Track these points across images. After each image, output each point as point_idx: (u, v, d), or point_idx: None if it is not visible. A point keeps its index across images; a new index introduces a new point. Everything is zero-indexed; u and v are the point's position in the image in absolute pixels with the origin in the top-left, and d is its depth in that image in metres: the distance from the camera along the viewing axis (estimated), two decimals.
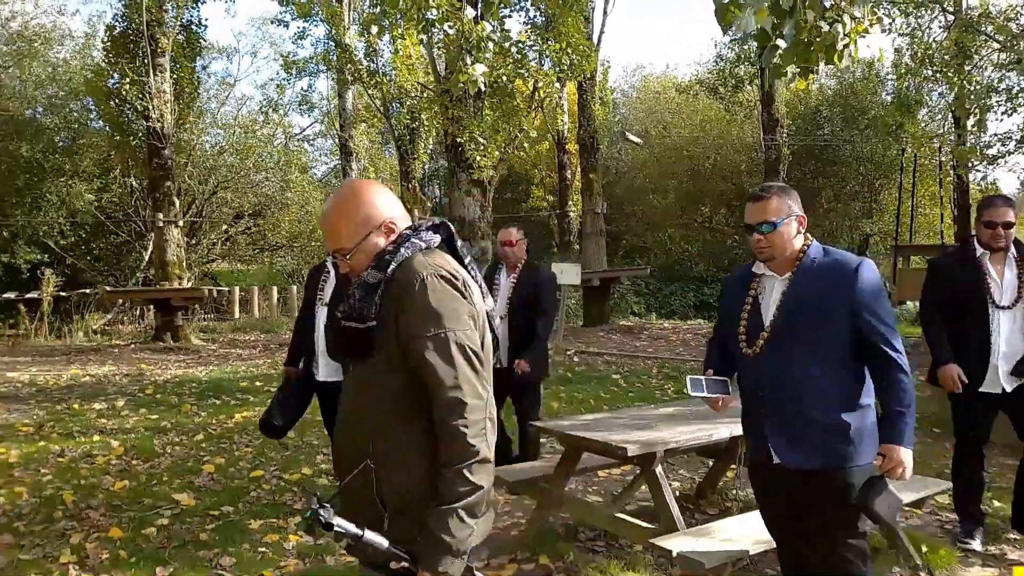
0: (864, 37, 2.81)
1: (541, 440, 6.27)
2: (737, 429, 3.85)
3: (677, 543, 3.18)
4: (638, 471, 4.50)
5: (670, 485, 3.88)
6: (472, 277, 1.94)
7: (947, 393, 3.96)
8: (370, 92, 16.01)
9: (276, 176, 23.25)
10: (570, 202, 20.84)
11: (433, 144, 17.69)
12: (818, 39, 2.66)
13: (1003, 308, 3.77)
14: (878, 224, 22.47)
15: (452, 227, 1.99)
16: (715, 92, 23.35)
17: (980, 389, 3.81)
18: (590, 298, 15.80)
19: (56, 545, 4.17)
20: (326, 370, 4.28)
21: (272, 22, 21.43)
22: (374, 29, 6.02)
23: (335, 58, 15.99)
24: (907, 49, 15.51)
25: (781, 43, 2.73)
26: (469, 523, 1.70)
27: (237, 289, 18.54)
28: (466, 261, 1.96)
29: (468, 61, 5.92)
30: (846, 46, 2.77)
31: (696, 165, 23.19)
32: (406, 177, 15.35)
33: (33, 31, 22.53)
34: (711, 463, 5.08)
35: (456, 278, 1.83)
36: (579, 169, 18.21)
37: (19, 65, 21.95)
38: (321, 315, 4.26)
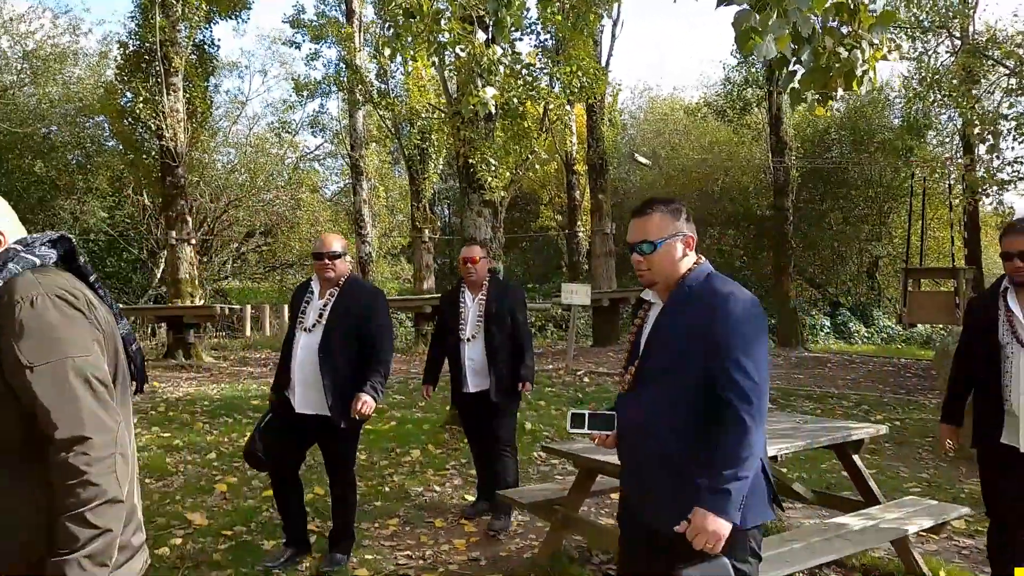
0: (883, 62, 2.83)
1: (552, 461, 6.28)
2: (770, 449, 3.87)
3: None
4: None
5: None
6: (101, 297, 1.73)
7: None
8: (381, 113, 16.17)
9: (287, 195, 23.42)
10: (579, 222, 20.89)
11: (443, 164, 17.81)
12: (837, 65, 2.68)
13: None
14: (887, 247, 22.44)
15: (73, 241, 1.76)
16: (723, 114, 23.46)
17: (1002, 440, 3.24)
18: (600, 318, 15.81)
19: None
20: (303, 401, 3.96)
21: (285, 44, 21.70)
22: (387, 51, 6.06)
23: (346, 79, 16.18)
24: (915, 73, 15.58)
25: (799, 69, 2.75)
26: (95, 572, 1.47)
27: (248, 307, 18.60)
28: (91, 279, 1.74)
29: (479, 84, 5.97)
30: (865, 72, 2.79)
31: (704, 187, 23.25)
32: (416, 197, 15.45)
33: (48, 50, 22.84)
34: None
35: (77, 298, 1.61)
36: (588, 190, 18.27)
37: (34, 83, 22.24)
38: (300, 341, 3.97)
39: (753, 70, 20.04)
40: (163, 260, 19.09)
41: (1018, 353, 3.16)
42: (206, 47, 16.16)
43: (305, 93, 17.31)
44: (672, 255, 2.27)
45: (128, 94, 15.19)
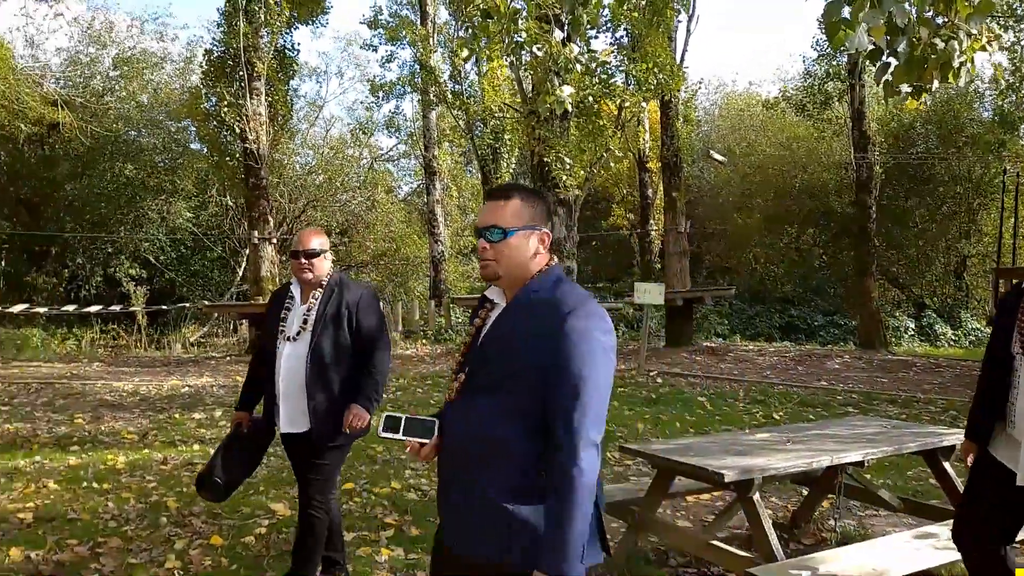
0: (983, 53, 2.71)
1: (627, 462, 6.22)
2: (836, 457, 3.77)
3: (777, 573, 3.10)
4: (729, 497, 4.41)
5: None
6: None
7: None
8: (454, 112, 16.32)
9: (362, 195, 23.88)
10: (651, 221, 20.65)
11: (515, 163, 17.87)
12: (932, 57, 2.58)
13: None
14: (976, 246, 21.48)
15: None
16: (802, 109, 22.87)
17: (996, 456, 2.91)
18: (673, 318, 15.60)
19: (161, 550, 4.35)
20: (287, 420, 3.54)
21: (362, 47, 22.14)
22: (464, 52, 6.12)
23: (420, 80, 16.40)
24: (1008, 64, 14.86)
25: (892, 61, 2.66)
26: None
27: None
28: None
29: (556, 82, 5.97)
30: (962, 64, 2.67)
31: (782, 183, 22.68)
32: None
33: (137, 56, 23.89)
34: (805, 492, 4.93)
35: None
36: (661, 187, 18.05)
37: (124, 89, 23.29)
38: (284, 351, 3.54)
39: (835, 63, 19.45)
40: (245, 258, 19.74)
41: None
42: (287, 51, 16.61)
43: (380, 94, 17.61)
44: (524, 249, 1.99)
45: (212, 98, 15.76)
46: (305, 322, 3.51)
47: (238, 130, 14.86)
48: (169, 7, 46.89)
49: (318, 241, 3.58)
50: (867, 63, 2.97)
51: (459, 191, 23.45)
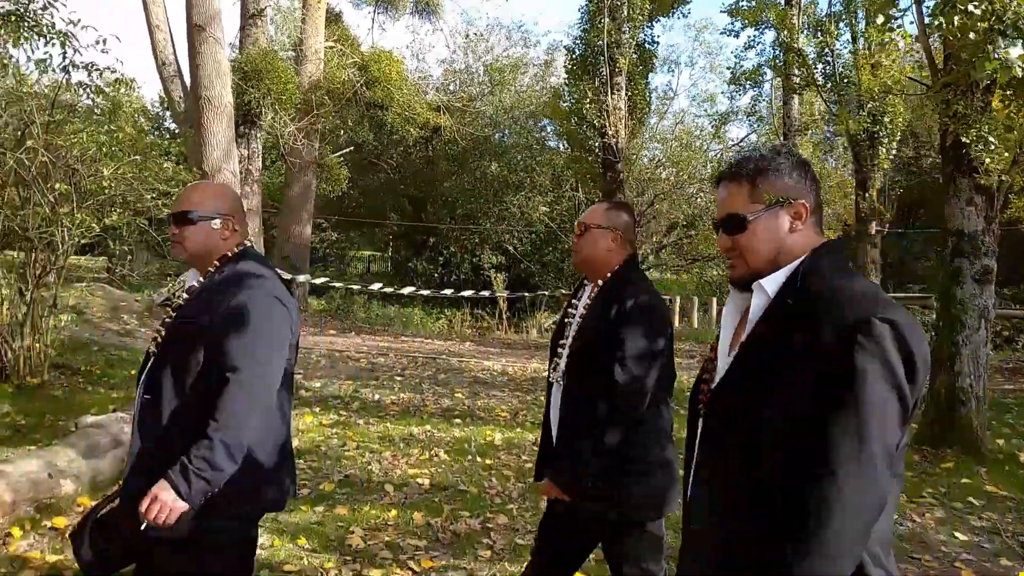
0: None
1: None
2: None
3: None
4: None
5: None
6: None
7: None
8: (824, 96, 15.03)
9: (712, 187, 23.26)
10: None
11: (896, 148, 15.98)
12: None
13: None
14: None
15: None
16: None
17: None
18: None
19: None
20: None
21: (722, 32, 21.52)
22: (880, 19, 5.36)
23: (783, 64, 15.38)
24: None
25: None
26: None
27: (678, 298, 18.89)
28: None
29: (1001, 44, 4.98)
30: None
31: None
32: (862, 186, 14.08)
33: (503, 63, 25.85)
34: None
35: None
36: None
37: (492, 93, 25.39)
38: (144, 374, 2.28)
39: None
40: None
41: None
42: (646, 45, 16.64)
43: (743, 81, 16.88)
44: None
45: (572, 96, 16.34)
46: (159, 331, 2.32)
47: (598, 125, 15.20)
48: (539, 15, 50.33)
49: (197, 199, 2.33)
50: None
51: (821, 182, 21.78)
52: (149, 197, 7.33)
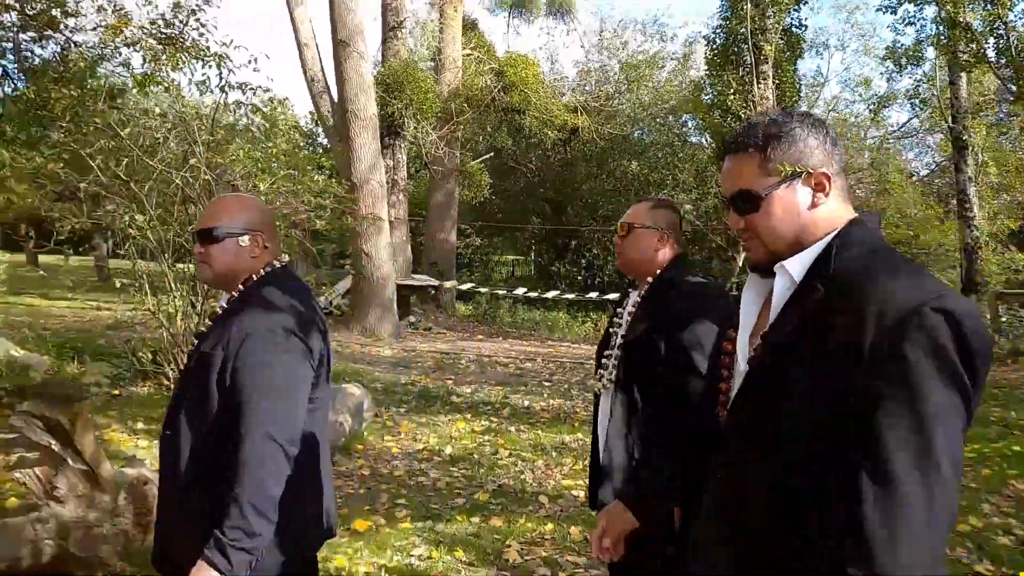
0: None
1: None
2: None
3: None
4: None
5: None
6: None
7: None
8: (996, 73, 13.68)
9: (869, 177, 21.78)
10: None
11: None
12: None
13: None
14: None
15: None
16: None
17: None
18: None
19: None
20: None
21: (878, 10, 20.09)
22: None
23: (948, 40, 14.08)
24: None
25: None
26: None
27: None
28: None
29: None
30: None
31: None
32: None
33: (640, 59, 25.32)
34: None
35: None
36: None
37: (629, 90, 24.94)
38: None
39: None
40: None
41: None
42: (793, 29, 15.77)
43: (900, 62, 15.64)
44: None
45: (714, 89, 15.71)
46: (189, 358, 2.15)
47: (744, 117, 14.52)
48: (668, 8, 49.26)
49: (226, 215, 2.10)
50: None
51: (998, 167, 19.81)
52: (301, 209, 7.57)
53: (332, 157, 14.20)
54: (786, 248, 1.39)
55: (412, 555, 4.03)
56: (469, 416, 7.40)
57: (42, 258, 21.27)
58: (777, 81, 15.02)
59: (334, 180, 9.65)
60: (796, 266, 1.37)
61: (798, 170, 1.40)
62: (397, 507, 4.77)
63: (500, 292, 18.85)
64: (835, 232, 1.36)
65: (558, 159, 24.89)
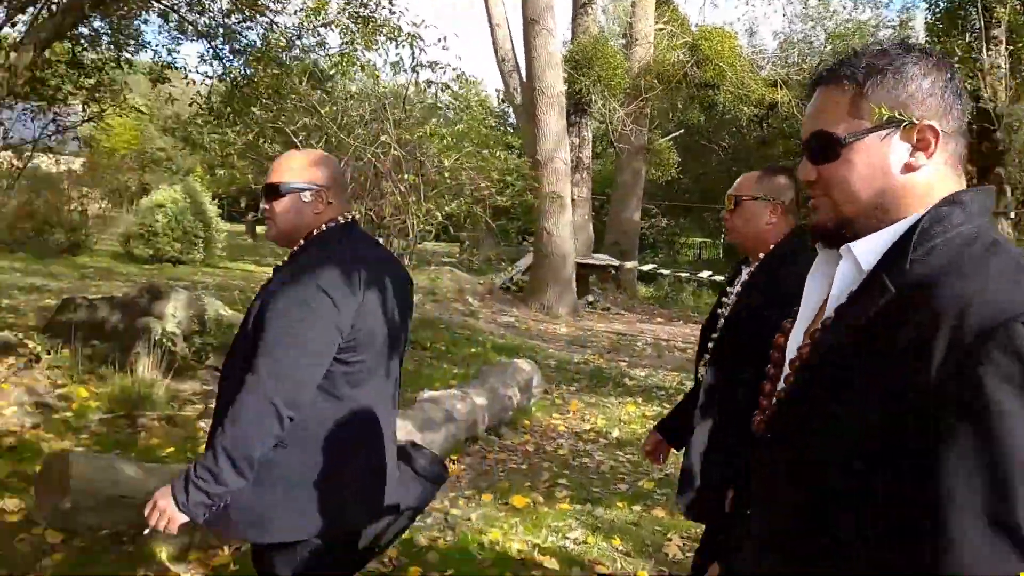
0: None
1: None
2: None
3: None
4: None
5: None
6: None
7: None
8: None
9: None
10: None
11: None
12: None
13: None
14: None
15: None
16: None
17: None
18: None
19: None
20: None
21: None
22: None
23: None
24: None
25: None
26: None
27: None
28: None
29: None
30: None
31: None
32: None
33: (846, 28, 23.44)
34: None
35: None
36: None
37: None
38: None
39: None
40: None
41: None
42: None
43: None
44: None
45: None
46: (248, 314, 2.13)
47: (970, 88, 13.02)
48: None
49: (290, 170, 2.06)
50: None
51: None
52: (484, 185, 7.70)
53: (520, 136, 14.36)
54: (859, 215, 1.08)
55: (568, 537, 3.97)
56: (640, 400, 7.23)
57: (259, 228, 23.36)
58: (1011, 48, 13.32)
59: (522, 159, 9.75)
60: (865, 251, 1.06)
61: (898, 117, 1.05)
62: (557, 487, 4.73)
63: (683, 274, 18.37)
64: (926, 211, 1.03)
65: (754, 136, 23.71)
